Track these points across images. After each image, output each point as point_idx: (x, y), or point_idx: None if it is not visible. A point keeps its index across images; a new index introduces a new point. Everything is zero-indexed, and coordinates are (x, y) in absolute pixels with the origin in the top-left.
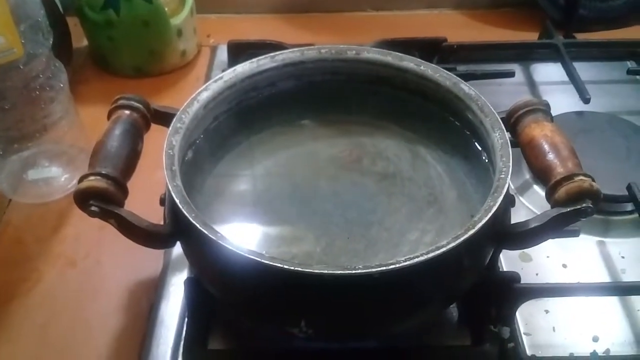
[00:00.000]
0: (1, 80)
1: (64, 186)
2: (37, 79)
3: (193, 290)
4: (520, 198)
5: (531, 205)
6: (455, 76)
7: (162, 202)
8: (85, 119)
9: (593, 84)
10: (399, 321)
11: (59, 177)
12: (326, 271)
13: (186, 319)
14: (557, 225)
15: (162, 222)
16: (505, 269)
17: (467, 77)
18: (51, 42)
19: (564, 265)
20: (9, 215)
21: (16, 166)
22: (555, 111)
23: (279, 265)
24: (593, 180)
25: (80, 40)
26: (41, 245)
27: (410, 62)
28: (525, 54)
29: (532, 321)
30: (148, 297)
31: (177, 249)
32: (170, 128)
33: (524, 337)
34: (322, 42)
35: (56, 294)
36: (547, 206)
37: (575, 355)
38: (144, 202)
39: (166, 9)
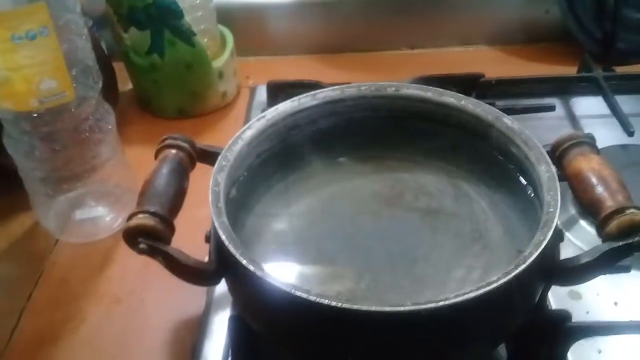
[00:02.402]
0: (53, 122)
1: (110, 226)
2: (87, 121)
3: (237, 327)
4: (567, 234)
5: (578, 241)
6: (497, 110)
7: (207, 239)
8: (130, 160)
9: (635, 116)
10: (446, 359)
11: (105, 216)
12: (374, 308)
13: (230, 358)
14: (609, 260)
15: (206, 259)
16: (554, 308)
17: (506, 111)
18: (100, 86)
19: (615, 303)
20: (56, 255)
21: (64, 206)
22: (598, 145)
23: (326, 302)
24: None
25: (124, 84)
26: (86, 284)
27: (450, 97)
28: (565, 88)
29: None
30: (191, 335)
31: (220, 288)
32: (215, 166)
33: None
34: (358, 81)
35: (101, 333)
36: (595, 242)
37: None
38: (188, 239)
39: (208, 52)
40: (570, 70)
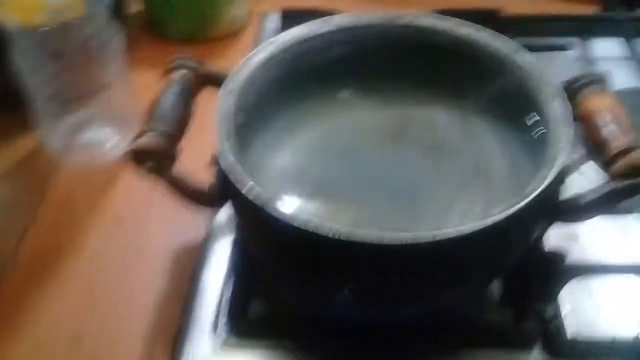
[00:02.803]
0: (60, 38)
1: (115, 148)
2: (95, 39)
3: (239, 251)
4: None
5: (584, 181)
6: (514, 43)
7: (212, 162)
8: (136, 83)
9: None
10: (442, 292)
11: (109, 139)
12: (372, 239)
13: (231, 282)
14: (613, 199)
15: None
16: (551, 247)
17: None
18: (110, 2)
19: (614, 245)
20: (60, 176)
21: (69, 127)
22: (615, 87)
23: (324, 233)
24: None
25: (133, 6)
26: (90, 206)
27: (467, 28)
28: (585, 28)
29: (576, 302)
30: (192, 259)
31: (222, 215)
32: (222, 89)
33: (567, 317)
34: (374, 10)
35: (103, 254)
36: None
37: (619, 338)
38: (193, 163)
39: None
40: (593, 9)
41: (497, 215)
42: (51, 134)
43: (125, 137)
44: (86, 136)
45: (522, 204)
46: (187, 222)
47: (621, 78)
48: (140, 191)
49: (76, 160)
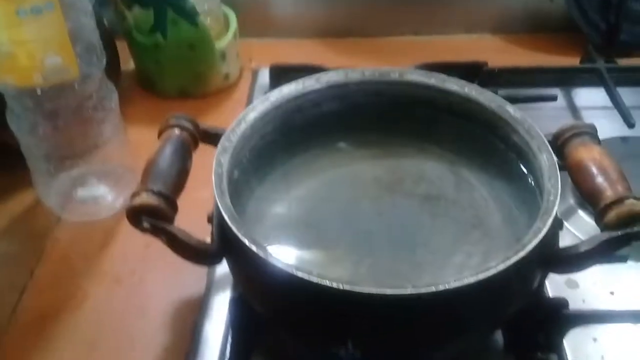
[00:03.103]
0: (56, 99)
1: (111, 205)
2: (90, 99)
3: (238, 309)
4: (565, 223)
5: (576, 231)
6: (500, 98)
7: (209, 219)
8: (131, 139)
9: (636, 109)
10: (445, 344)
11: (106, 195)
12: (375, 291)
13: (230, 338)
14: (608, 249)
15: (208, 240)
16: (550, 295)
17: (508, 100)
18: (104, 64)
19: (612, 293)
20: (57, 233)
21: (66, 184)
22: (599, 136)
23: (327, 284)
24: None
25: (126, 63)
26: (88, 262)
27: (454, 84)
28: (567, 79)
29: (580, 349)
30: (192, 315)
31: (220, 269)
32: (218, 147)
33: None
34: (362, 66)
35: (102, 311)
36: (593, 232)
37: None
38: (189, 220)
39: (211, 32)
40: (573, 61)
41: (496, 267)
42: (48, 191)
43: (121, 193)
44: (83, 193)
45: (520, 255)
46: (186, 277)
47: (605, 127)
48: (138, 247)
49: (73, 217)
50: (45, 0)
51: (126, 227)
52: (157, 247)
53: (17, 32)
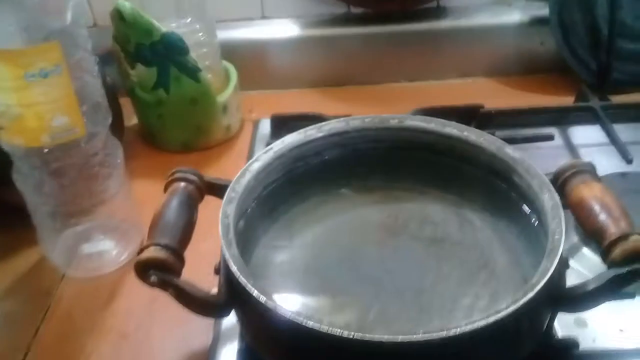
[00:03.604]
0: (63, 157)
1: (116, 259)
2: (96, 156)
3: (246, 359)
4: (570, 261)
5: (582, 268)
6: (499, 140)
7: (216, 271)
8: (136, 193)
9: (634, 144)
10: None
11: (111, 250)
12: (386, 338)
13: None
14: (615, 286)
15: (213, 290)
16: (560, 335)
17: (506, 141)
18: (110, 121)
19: (621, 330)
20: (62, 289)
21: (71, 240)
22: (597, 173)
23: (339, 332)
24: None
25: (129, 118)
26: (93, 319)
27: (453, 128)
28: (563, 118)
29: None
30: None
31: (227, 321)
32: (224, 198)
33: None
34: (360, 114)
35: None
36: (598, 268)
37: None
38: (194, 271)
39: (212, 87)
40: (567, 100)
41: (506, 308)
42: (53, 247)
43: (126, 247)
44: (88, 248)
45: (529, 296)
46: (193, 330)
47: (603, 163)
48: (143, 301)
49: (78, 273)
50: (53, 64)
51: (131, 281)
52: (162, 300)
53: (25, 95)
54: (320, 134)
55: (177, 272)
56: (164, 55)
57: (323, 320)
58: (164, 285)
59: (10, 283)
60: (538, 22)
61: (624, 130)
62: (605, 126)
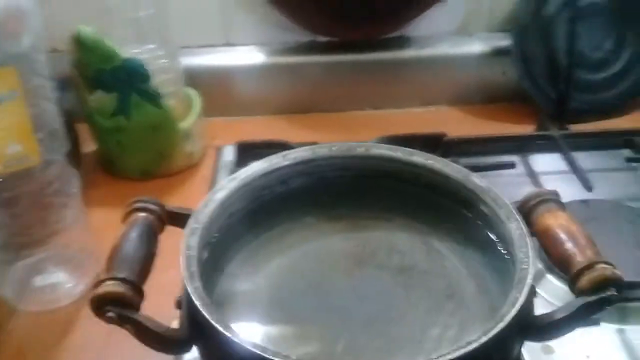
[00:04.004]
0: (16, 187)
1: (71, 292)
2: (51, 184)
3: None
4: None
5: (546, 294)
6: (465, 169)
7: (178, 305)
8: (93, 222)
9: (593, 172)
10: None
11: (65, 282)
12: None
13: None
14: (584, 314)
15: (176, 325)
16: None
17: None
18: (66, 149)
19: (588, 356)
20: (13, 324)
21: (22, 272)
22: None
23: None
24: (614, 268)
25: (87, 145)
26: (46, 354)
27: (419, 157)
28: (524, 146)
29: None
30: None
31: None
32: (186, 229)
33: None
34: (324, 141)
35: None
36: (563, 295)
37: None
38: (153, 304)
39: (175, 113)
40: (527, 128)
41: (478, 340)
42: (3, 280)
43: (81, 279)
44: (41, 281)
45: (499, 327)
46: None
47: (564, 191)
48: (99, 335)
49: (31, 307)
50: (8, 89)
51: (87, 314)
52: (120, 334)
53: None
54: (286, 162)
55: (136, 307)
56: (125, 81)
57: (290, 353)
58: (122, 321)
59: None
60: (500, 53)
61: (583, 158)
62: (565, 154)
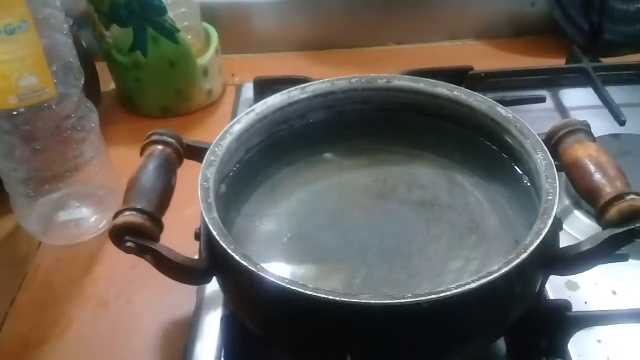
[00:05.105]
0: (33, 120)
1: (94, 227)
2: (69, 119)
3: (229, 327)
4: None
5: (573, 231)
6: (490, 100)
7: (197, 236)
8: (114, 160)
9: (626, 107)
10: (447, 353)
11: (89, 217)
12: (374, 301)
13: (222, 355)
14: (610, 247)
15: (195, 257)
16: (552, 298)
17: None
18: (82, 83)
19: (614, 292)
20: (39, 257)
21: (46, 208)
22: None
23: (324, 296)
24: None
25: (106, 84)
26: (72, 287)
27: (443, 88)
28: (554, 80)
29: (585, 352)
30: (182, 337)
31: (210, 287)
32: (204, 161)
33: None
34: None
35: (88, 337)
36: (590, 232)
37: None
38: (176, 238)
39: (192, 49)
40: (558, 62)
41: (498, 270)
42: (28, 215)
43: (104, 214)
44: (64, 216)
45: (522, 257)
46: (175, 297)
47: (595, 125)
48: (123, 268)
49: (55, 241)
50: (18, 19)
51: (111, 248)
52: (143, 267)
53: None
54: (304, 95)
55: (155, 238)
56: (140, 14)
57: (307, 285)
58: (141, 251)
59: None
60: None
61: (616, 92)
62: (597, 88)
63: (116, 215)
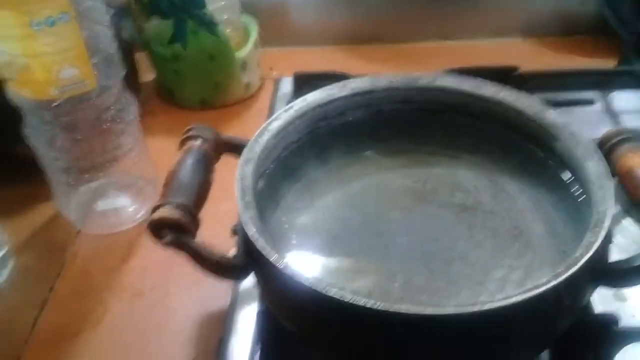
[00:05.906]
0: (73, 111)
1: (132, 217)
2: (109, 110)
3: (265, 322)
4: None
5: (623, 240)
6: (540, 103)
7: (234, 232)
8: (152, 151)
9: None
10: None
11: (127, 207)
12: (413, 310)
13: (258, 354)
14: None
15: (232, 253)
16: (599, 311)
17: None
18: (123, 75)
19: None
20: (78, 246)
21: (86, 197)
22: None
23: (362, 303)
24: None
25: (146, 75)
26: (109, 276)
27: (489, 89)
28: (603, 82)
29: None
30: (217, 330)
31: (246, 281)
32: (241, 158)
33: None
34: (387, 73)
35: (123, 326)
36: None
37: None
38: (212, 234)
39: (231, 42)
40: (607, 63)
41: (547, 283)
42: (67, 203)
43: (143, 204)
44: (103, 205)
45: (572, 271)
46: (211, 290)
47: None
48: (160, 260)
49: (94, 230)
50: (59, 11)
51: (148, 239)
52: (180, 260)
53: (32, 44)
54: (344, 93)
55: (192, 233)
56: (180, 7)
57: (345, 289)
58: (178, 245)
59: (26, 238)
60: None
61: None
62: None
63: (155, 209)
